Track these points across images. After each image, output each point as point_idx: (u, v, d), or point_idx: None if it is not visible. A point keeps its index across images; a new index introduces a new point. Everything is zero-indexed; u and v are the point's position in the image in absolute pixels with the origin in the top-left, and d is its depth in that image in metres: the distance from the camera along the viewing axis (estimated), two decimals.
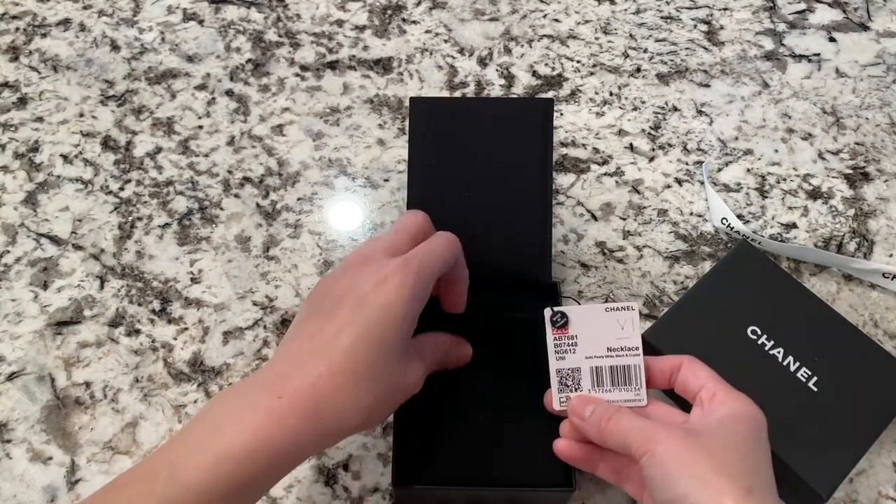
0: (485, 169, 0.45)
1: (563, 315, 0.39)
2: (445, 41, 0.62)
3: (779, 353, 0.43)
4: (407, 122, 0.57)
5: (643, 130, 0.58)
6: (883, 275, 0.50)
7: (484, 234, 0.44)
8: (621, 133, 0.58)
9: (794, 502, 0.42)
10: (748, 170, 0.56)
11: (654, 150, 0.57)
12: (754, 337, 0.43)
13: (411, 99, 0.45)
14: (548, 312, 0.39)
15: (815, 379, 0.42)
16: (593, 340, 0.39)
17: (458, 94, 0.59)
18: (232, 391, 0.34)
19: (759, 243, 0.51)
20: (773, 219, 0.54)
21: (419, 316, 0.36)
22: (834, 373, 0.42)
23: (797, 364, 0.43)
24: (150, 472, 0.31)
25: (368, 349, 0.33)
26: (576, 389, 0.38)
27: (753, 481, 0.32)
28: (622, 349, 0.38)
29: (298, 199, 0.54)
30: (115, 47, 0.61)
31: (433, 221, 0.41)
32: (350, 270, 0.36)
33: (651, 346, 0.44)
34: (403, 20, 0.64)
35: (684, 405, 0.38)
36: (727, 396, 0.35)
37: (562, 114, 0.58)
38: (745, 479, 0.31)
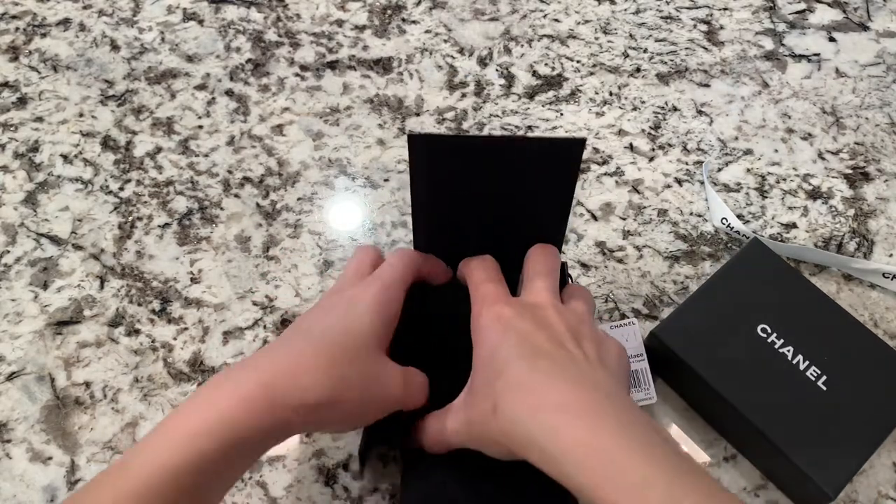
0: (495, 212, 0.40)
1: None
2: (445, 41, 0.62)
3: (788, 351, 0.43)
4: (407, 122, 0.58)
5: (643, 130, 0.58)
6: (883, 275, 0.50)
7: None
8: (621, 133, 0.58)
9: (801, 500, 0.42)
10: (748, 170, 0.56)
11: (653, 150, 0.57)
12: (764, 335, 0.43)
13: (409, 136, 0.37)
14: None
15: (824, 378, 0.42)
16: None
17: (457, 94, 0.59)
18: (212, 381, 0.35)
19: (749, 240, 0.51)
20: (773, 219, 0.54)
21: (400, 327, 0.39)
22: (843, 372, 0.42)
23: (806, 363, 0.43)
24: (127, 458, 0.31)
25: (344, 337, 0.36)
26: None
27: (495, 399, 0.33)
28: (630, 357, 0.40)
29: (298, 199, 0.54)
30: (114, 47, 0.61)
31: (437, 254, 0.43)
32: (323, 301, 0.39)
33: (661, 342, 0.44)
34: (403, 20, 0.64)
35: None
36: (472, 331, 0.37)
37: (562, 114, 0.58)
38: (486, 400, 0.33)
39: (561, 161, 0.38)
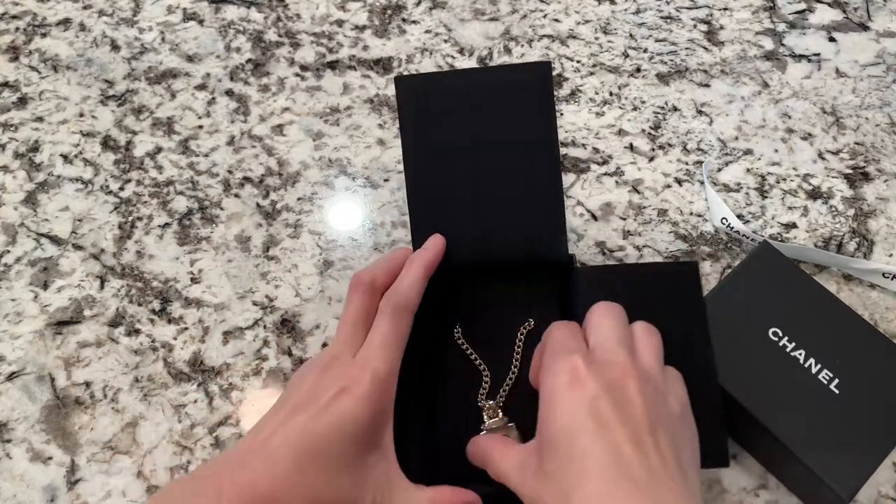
0: (485, 145, 0.42)
1: None
2: (445, 41, 0.62)
3: (800, 354, 0.43)
4: None
5: (643, 130, 0.58)
6: (883, 275, 0.50)
7: (491, 217, 0.42)
8: (621, 133, 0.58)
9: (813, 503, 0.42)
10: (748, 170, 0.56)
11: (654, 149, 0.57)
12: (776, 339, 0.43)
13: (396, 78, 0.41)
14: None
15: (836, 381, 0.42)
16: None
17: None
18: (178, 485, 0.33)
19: (759, 243, 0.51)
20: (772, 219, 0.54)
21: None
22: (855, 375, 0.42)
23: (819, 366, 0.42)
24: None
25: (316, 461, 0.33)
26: None
27: (570, 496, 0.30)
28: None
29: (298, 198, 0.54)
30: (115, 47, 0.61)
31: (434, 209, 0.41)
32: (315, 371, 0.36)
33: None
34: (403, 20, 0.64)
35: None
36: (540, 384, 0.34)
37: (562, 114, 0.58)
38: (559, 490, 0.30)
39: (534, 84, 0.41)
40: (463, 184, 0.42)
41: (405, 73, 0.60)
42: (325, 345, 0.48)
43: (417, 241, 0.42)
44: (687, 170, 0.56)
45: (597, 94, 0.60)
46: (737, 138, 0.58)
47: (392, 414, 0.36)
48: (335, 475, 0.33)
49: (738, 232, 0.52)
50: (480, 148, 0.41)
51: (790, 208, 0.54)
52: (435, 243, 0.41)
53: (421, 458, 0.38)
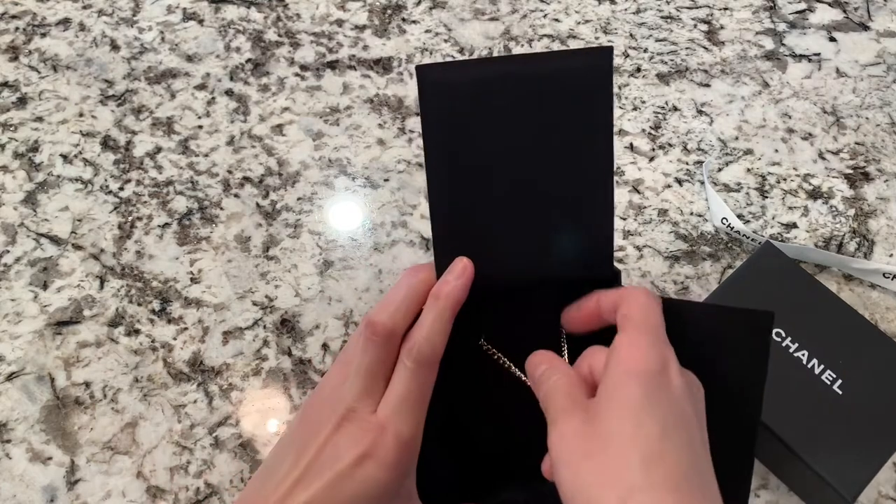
0: (524, 148, 0.34)
1: None
2: (445, 41, 0.62)
3: (803, 355, 0.43)
4: (407, 122, 0.57)
5: (643, 130, 0.58)
6: (883, 275, 0.50)
7: (530, 232, 0.35)
8: (621, 133, 0.58)
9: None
10: (748, 169, 0.56)
11: (654, 149, 0.57)
12: (778, 339, 0.43)
13: (418, 67, 0.33)
14: None
15: (839, 382, 0.42)
16: None
17: None
18: None
19: (760, 243, 0.51)
20: (773, 219, 0.54)
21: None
22: (858, 375, 0.42)
23: (822, 367, 0.42)
24: None
25: None
26: None
27: (638, 481, 0.26)
28: None
29: (298, 198, 0.54)
30: (114, 47, 0.61)
31: (462, 223, 0.34)
32: (331, 423, 0.32)
33: None
34: (403, 20, 0.64)
35: None
36: (615, 353, 0.29)
37: None
38: (625, 481, 0.26)
39: (587, 79, 0.33)
40: (496, 193, 0.35)
41: (405, 72, 0.60)
42: (324, 345, 0.48)
43: (441, 263, 0.35)
44: (687, 170, 0.56)
45: None
46: (737, 138, 0.58)
47: (416, 465, 0.34)
48: None
49: (738, 232, 0.52)
50: (518, 150, 0.34)
51: (790, 208, 0.54)
52: (461, 272, 0.34)
53: (449, 480, 0.37)
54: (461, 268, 0.34)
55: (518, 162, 0.34)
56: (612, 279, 0.36)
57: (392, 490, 0.32)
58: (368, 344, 0.33)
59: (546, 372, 0.32)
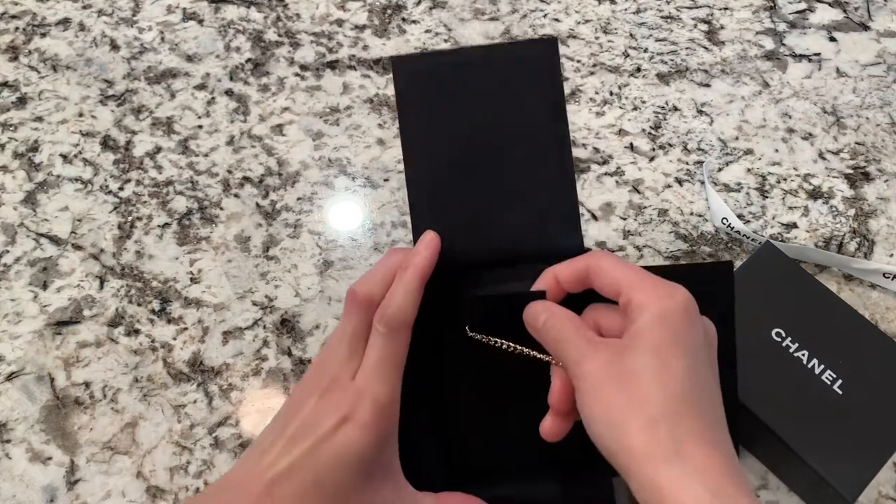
0: (490, 129, 0.39)
1: None
2: (445, 41, 0.62)
3: (803, 355, 0.43)
4: None
5: (643, 130, 0.58)
6: (883, 275, 0.50)
7: (499, 207, 0.39)
8: (621, 133, 0.58)
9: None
10: (748, 169, 0.56)
11: (654, 149, 0.57)
12: (779, 339, 0.43)
13: (393, 58, 0.39)
14: None
15: (839, 382, 0.42)
16: None
17: None
18: None
19: (760, 243, 0.51)
20: (773, 219, 0.54)
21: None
22: (859, 375, 0.42)
23: (822, 367, 0.42)
24: None
25: (320, 492, 0.32)
26: None
27: (665, 408, 0.28)
28: None
29: (298, 198, 0.54)
30: (114, 47, 0.61)
31: (437, 202, 0.38)
32: (316, 393, 0.35)
33: None
34: (403, 20, 0.64)
35: None
36: (643, 297, 0.31)
37: None
38: (652, 407, 0.28)
39: (539, 62, 0.39)
40: (467, 173, 0.39)
41: None
42: (324, 345, 0.48)
43: (418, 237, 0.39)
44: (687, 170, 0.56)
45: (597, 93, 0.60)
46: (737, 138, 0.58)
47: (396, 434, 0.35)
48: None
49: (738, 232, 0.52)
50: (485, 132, 0.39)
51: (791, 208, 0.54)
52: (427, 244, 0.37)
53: (433, 461, 0.37)
54: (429, 240, 0.38)
55: (483, 142, 0.39)
56: (579, 249, 0.38)
57: (372, 455, 0.33)
58: (350, 312, 0.36)
59: (549, 319, 0.33)
